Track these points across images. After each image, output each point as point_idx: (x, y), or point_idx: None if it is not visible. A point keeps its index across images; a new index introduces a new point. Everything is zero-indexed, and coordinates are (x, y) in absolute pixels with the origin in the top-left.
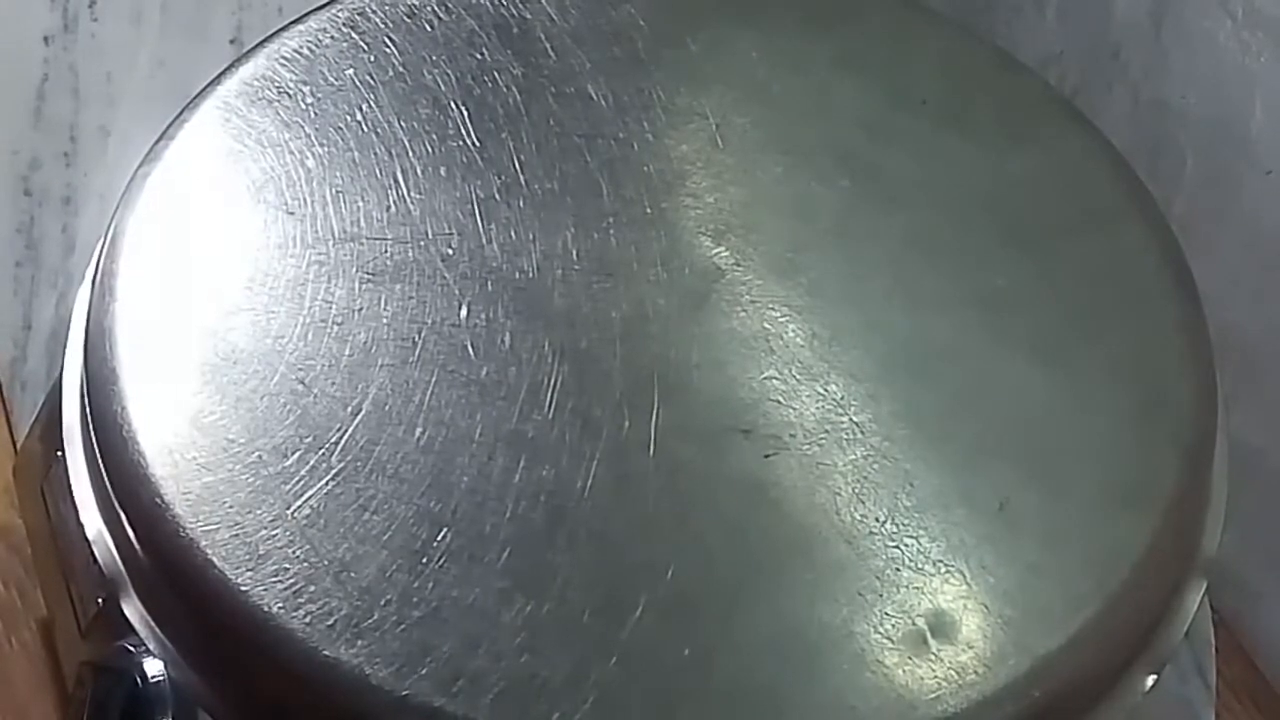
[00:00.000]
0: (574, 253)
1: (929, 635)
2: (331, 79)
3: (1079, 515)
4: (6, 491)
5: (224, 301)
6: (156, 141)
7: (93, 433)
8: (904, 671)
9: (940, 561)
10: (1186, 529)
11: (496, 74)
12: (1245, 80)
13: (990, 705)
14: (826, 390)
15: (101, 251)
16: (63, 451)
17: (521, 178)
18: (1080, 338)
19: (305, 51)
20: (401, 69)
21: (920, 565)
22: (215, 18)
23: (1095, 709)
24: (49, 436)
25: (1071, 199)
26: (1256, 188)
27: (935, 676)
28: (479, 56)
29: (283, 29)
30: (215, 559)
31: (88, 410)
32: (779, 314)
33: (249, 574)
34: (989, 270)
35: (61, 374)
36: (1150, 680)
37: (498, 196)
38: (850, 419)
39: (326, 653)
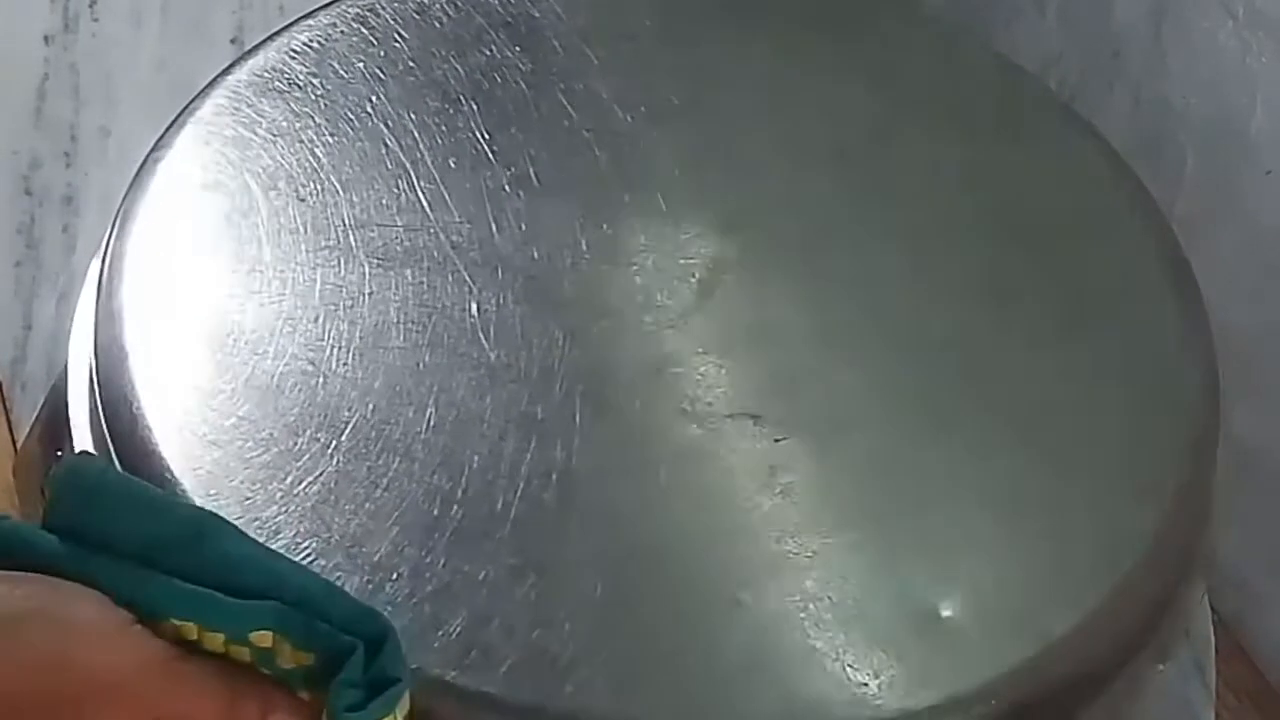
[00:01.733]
0: (583, 243)
1: (935, 619)
2: (342, 72)
3: (1085, 507)
4: (6, 491)
5: (234, 285)
6: (167, 129)
7: (101, 410)
8: (911, 653)
9: (947, 548)
10: (1189, 523)
11: (505, 70)
12: (1245, 80)
13: (996, 689)
14: (835, 379)
15: (111, 234)
16: (63, 450)
17: (531, 170)
18: (1084, 335)
19: (315, 45)
20: (411, 63)
21: (927, 551)
22: (216, 17)
23: (1100, 696)
24: (49, 436)
25: (1073, 200)
26: (1256, 188)
27: (941, 659)
28: (488, 53)
29: (292, 23)
30: None
31: (96, 388)
32: (787, 304)
33: None
34: (993, 269)
35: (66, 369)
36: (1155, 669)
37: (507, 188)
38: (858, 408)
39: None
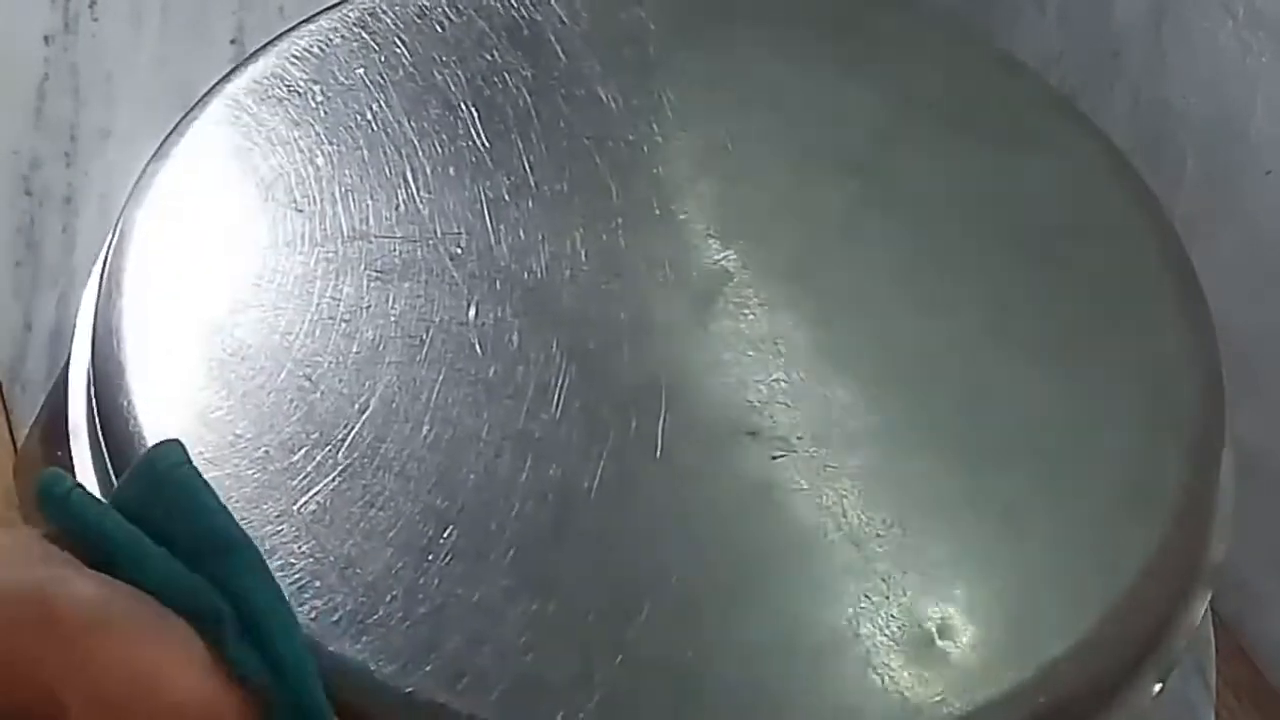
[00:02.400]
0: (583, 254)
1: (935, 639)
2: (341, 78)
3: (1086, 521)
4: (6, 492)
5: (231, 298)
6: (166, 138)
7: (99, 427)
8: (909, 675)
9: (946, 566)
10: (1193, 535)
11: (506, 75)
12: (1245, 80)
13: (995, 710)
14: (834, 394)
15: (109, 247)
16: (63, 451)
17: (531, 179)
18: (1087, 343)
19: (315, 50)
20: (411, 69)
21: (926, 569)
22: (215, 18)
23: (1100, 714)
24: (49, 436)
25: (1078, 203)
26: (1256, 188)
27: (940, 680)
28: (489, 58)
29: (292, 28)
30: None
31: (94, 405)
32: (787, 317)
33: None
34: (996, 275)
35: (65, 371)
36: (1156, 687)
37: (507, 197)
38: (857, 423)
39: (331, 648)
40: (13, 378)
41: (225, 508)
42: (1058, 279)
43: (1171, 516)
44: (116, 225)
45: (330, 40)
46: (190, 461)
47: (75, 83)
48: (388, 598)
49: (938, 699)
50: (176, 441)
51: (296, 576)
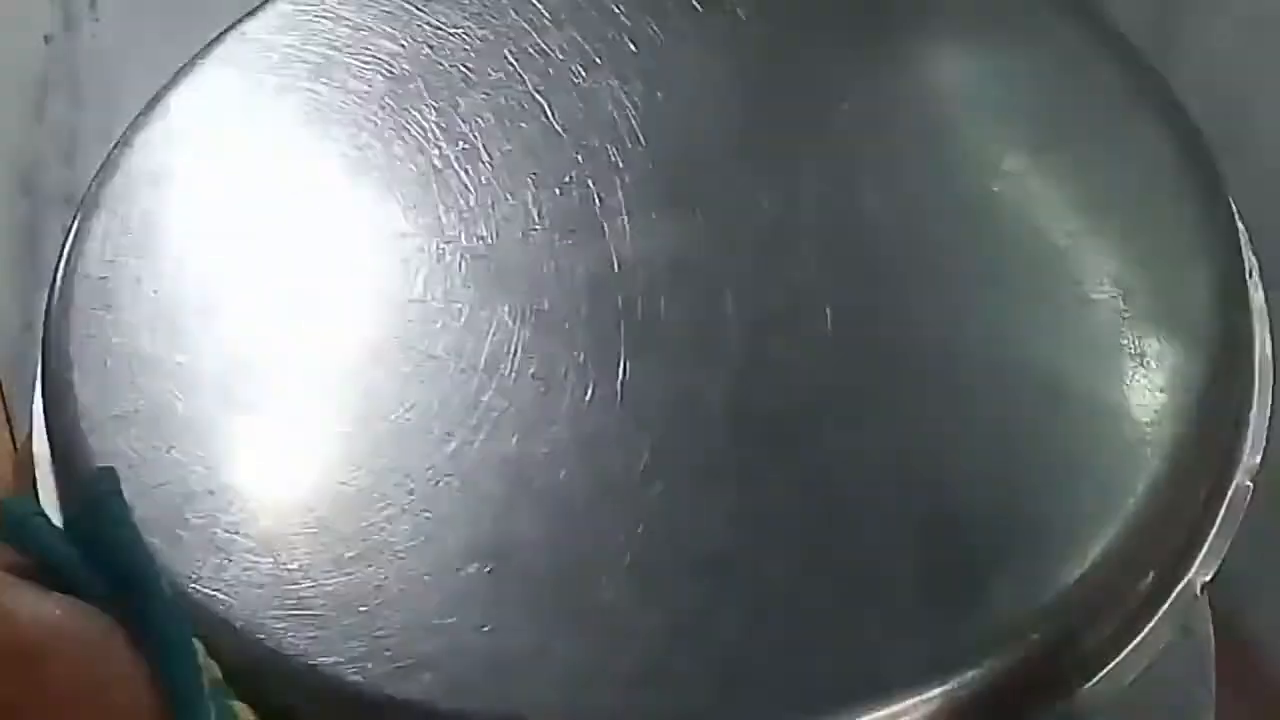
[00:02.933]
0: (534, 212)
1: (951, 578)
2: (286, 67)
3: (1101, 430)
4: (6, 492)
5: (175, 299)
6: (113, 149)
7: (50, 447)
8: (926, 615)
9: (960, 487)
10: (1218, 435)
11: (451, 37)
12: (1245, 80)
13: (1030, 614)
14: (804, 334)
15: (57, 269)
16: None
17: (480, 140)
18: (1100, 233)
19: (260, 38)
20: (355, 45)
21: (939, 497)
22: (217, 18)
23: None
24: None
25: (1084, 91)
26: (1256, 188)
27: (958, 619)
28: (433, 22)
29: (239, 21)
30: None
31: (45, 428)
32: (751, 261)
33: (196, 568)
34: (1002, 170)
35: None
36: (1199, 586)
37: (455, 164)
38: (838, 362)
39: (271, 647)
40: (12, 378)
41: (141, 542)
42: (1070, 170)
43: (1191, 417)
44: (65, 241)
45: (273, 28)
46: (119, 491)
47: (75, 83)
48: (329, 588)
49: (960, 640)
50: (110, 469)
51: (237, 573)
